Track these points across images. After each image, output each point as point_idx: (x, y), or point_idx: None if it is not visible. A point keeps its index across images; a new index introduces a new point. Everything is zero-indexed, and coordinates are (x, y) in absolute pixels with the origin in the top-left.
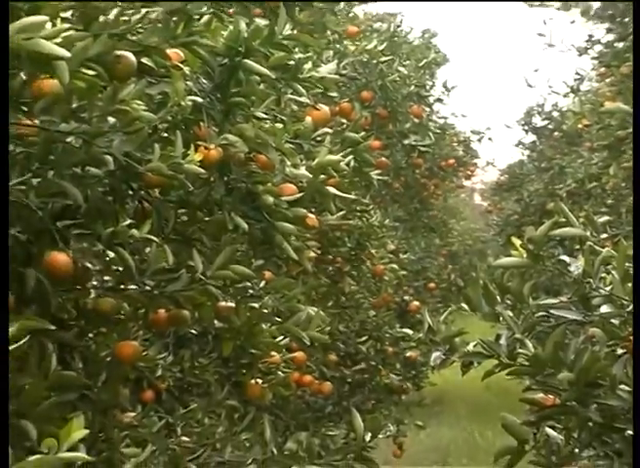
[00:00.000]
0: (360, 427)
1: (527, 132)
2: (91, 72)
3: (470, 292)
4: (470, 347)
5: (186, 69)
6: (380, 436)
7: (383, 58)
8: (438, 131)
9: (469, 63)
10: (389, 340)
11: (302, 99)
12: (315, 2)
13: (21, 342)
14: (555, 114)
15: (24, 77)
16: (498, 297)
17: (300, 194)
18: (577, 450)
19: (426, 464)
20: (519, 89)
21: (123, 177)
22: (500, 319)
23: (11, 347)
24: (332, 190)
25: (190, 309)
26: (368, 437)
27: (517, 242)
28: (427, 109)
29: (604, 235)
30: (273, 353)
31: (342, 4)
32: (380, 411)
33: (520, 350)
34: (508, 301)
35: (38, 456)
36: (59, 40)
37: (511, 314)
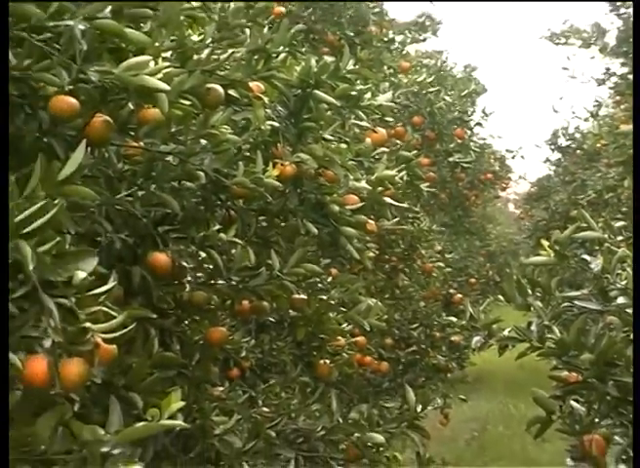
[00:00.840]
0: (412, 400)
1: (553, 150)
2: (186, 102)
3: (505, 286)
4: (506, 332)
5: (266, 99)
6: (429, 407)
7: (431, 89)
8: (478, 150)
9: (505, 93)
10: (437, 327)
11: (363, 124)
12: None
13: (129, 328)
14: (577, 135)
15: (132, 107)
16: (529, 290)
17: (361, 203)
18: (596, 420)
19: (468, 431)
20: (547, 114)
21: (213, 190)
22: (531, 308)
23: (120, 332)
24: (388, 200)
25: (269, 301)
26: (419, 408)
27: (545, 243)
28: (469, 132)
29: (620, 237)
30: (339, 338)
31: (397, 44)
32: (429, 387)
33: (548, 335)
34: (538, 294)
35: (144, 423)
36: (160, 76)
37: (540, 304)
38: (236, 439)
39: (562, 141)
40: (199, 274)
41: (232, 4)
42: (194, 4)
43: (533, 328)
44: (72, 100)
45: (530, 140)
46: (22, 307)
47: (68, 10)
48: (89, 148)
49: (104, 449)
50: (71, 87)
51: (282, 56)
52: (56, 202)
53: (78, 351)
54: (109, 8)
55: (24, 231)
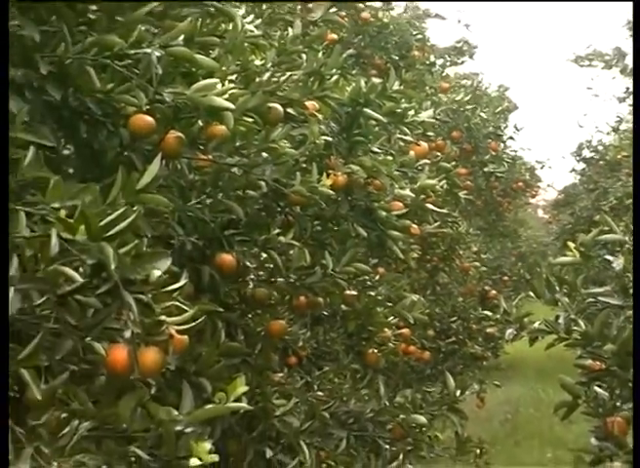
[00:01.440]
0: (452, 385)
1: (578, 161)
2: (249, 119)
3: (535, 284)
4: (536, 325)
5: (320, 116)
6: (467, 392)
7: (468, 107)
8: (510, 161)
9: (534, 110)
10: (473, 320)
11: (407, 138)
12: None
13: (199, 321)
14: (600, 148)
15: (201, 124)
16: (556, 287)
17: (406, 209)
18: (618, 404)
19: (502, 413)
20: (572, 129)
21: (273, 198)
22: (559, 304)
23: (191, 325)
24: (429, 206)
25: (323, 296)
26: (457, 393)
27: (571, 245)
28: (502, 145)
29: None
30: (386, 329)
31: (437, 66)
32: (467, 374)
33: (574, 328)
34: (565, 290)
35: (212, 405)
36: (226, 96)
37: (567, 300)
38: (294, 419)
39: (586, 153)
40: (261, 273)
41: (290, 32)
42: (256, 32)
43: (560, 321)
44: (149, 119)
45: (557, 152)
46: (106, 302)
47: (146, 39)
48: (163, 161)
49: (178, 428)
50: (148, 107)
51: (335, 78)
52: (134, 209)
53: (154, 341)
54: (182, 36)
55: (107, 235)
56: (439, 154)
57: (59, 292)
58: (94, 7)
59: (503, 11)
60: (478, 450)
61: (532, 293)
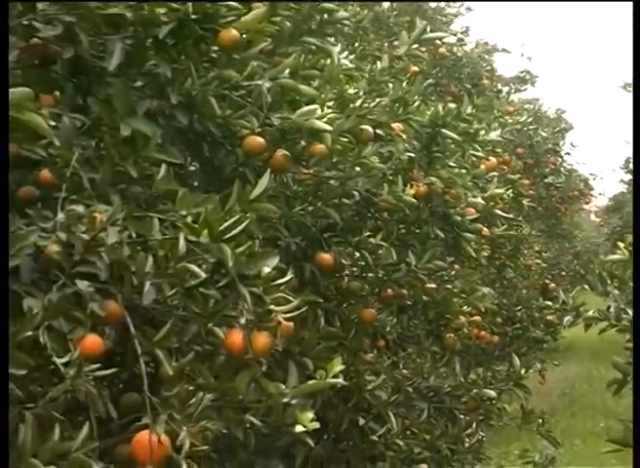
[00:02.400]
0: (517, 365)
1: (626, 173)
2: (344, 139)
3: (590, 278)
4: (590, 313)
5: (404, 136)
6: (530, 370)
7: (530, 127)
8: (567, 173)
9: (588, 129)
10: (535, 309)
11: (479, 154)
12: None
13: (302, 310)
14: None
15: (304, 143)
16: (608, 281)
17: (477, 215)
18: None
19: (560, 389)
20: (621, 145)
21: (364, 205)
22: (610, 295)
23: (295, 313)
24: (498, 212)
25: (407, 289)
26: (522, 371)
27: (621, 245)
28: (560, 159)
29: None
30: (461, 317)
31: (504, 93)
32: (530, 355)
33: (623, 315)
34: (615, 284)
35: (314, 381)
36: (325, 120)
37: (617, 292)
38: (383, 393)
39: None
40: (354, 269)
41: (379, 65)
42: (350, 65)
43: (611, 310)
44: (260, 140)
45: (608, 166)
46: (224, 294)
47: (258, 72)
48: (272, 175)
49: (285, 400)
50: (260, 129)
51: (417, 103)
52: (248, 215)
53: (265, 327)
54: (288, 70)
55: (225, 237)
56: (506, 168)
57: (186, 285)
58: (215, 47)
59: (561, 43)
60: (540, 420)
61: (586, 286)
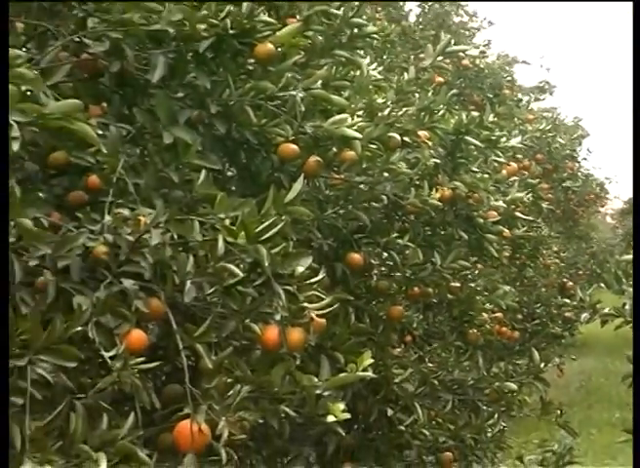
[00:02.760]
0: (537, 359)
1: None
2: (373, 146)
3: (606, 277)
4: (606, 310)
5: (430, 143)
6: (549, 364)
7: (549, 134)
8: (584, 177)
9: (604, 136)
10: (554, 306)
11: (500, 160)
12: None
13: (334, 307)
14: None
15: (335, 150)
16: (623, 280)
17: (499, 217)
18: None
19: (577, 381)
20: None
21: (392, 208)
22: (625, 293)
23: (327, 310)
24: (518, 215)
25: (433, 287)
26: (541, 365)
27: None
28: (577, 164)
29: None
30: (483, 314)
31: (524, 102)
32: (549, 349)
33: None
34: (630, 282)
35: (345, 374)
36: (355, 128)
37: (632, 290)
38: (410, 385)
39: None
40: (382, 268)
41: (406, 76)
42: (378, 76)
43: (626, 307)
44: (294, 147)
45: (622, 170)
46: (261, 292)
47: (292, 83)
48: (305, 180)
49: (318, 392)
50: (293, 137)
51: (441, 112)
52: (283, 218)
53: (298, 323)
54: (320, 81)
55: (262, 238)
56: (526, 173)
57: (224, 284)
58: (251, 60)
59: (578, 54)
60: (558, 412)
61: (602, 285)
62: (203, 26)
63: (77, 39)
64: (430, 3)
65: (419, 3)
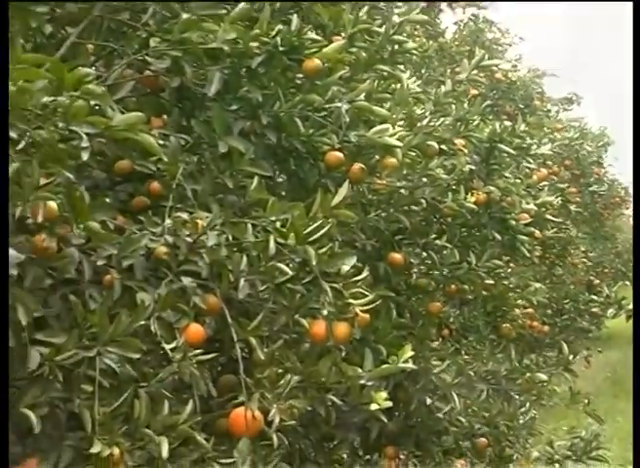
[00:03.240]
0: (565, 351)
1: None
2: (413, 153)
3: (630, 275)
4: (630, 306)
5: (465, 151)
6: (577, 356)
7: (577, 142)
8: (609, 182)
9: (628, 143)
10: (582, 302)
11: (531, 166)
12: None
13: (376, 303)
14: None
15: (377, 157)
16: None
17: (530, 219)
18: None
19: (603, 373)
20: None
21: (431, 211)
22: None
23: (370, 306)
24: (548, 217)
25: (468, 285)
26: (570, 357)
27: None
28: (603, 170)
29: None
30: (516, 309)
31: (553, 112)
32: (577, 342)
33: None
34: None
35: (387, 365)
36: (396, 137)
37: None
38: (447, 376)
39: None
40: (422, 267)
41: (443, 89)
42: (417, 89)
43: None
44: (340, 154)
45: None
46: (309, 289)
47: (337, 96)
48: (350, 185)
49: (362, 382)
50: (339, 146)
51: (476, 122)
52: (329, 221)
53: (344, 318)
54: (363, 94)
55: (310, 240)
56: (555, 178)
57: (275, 281)
58: (300, 75)
59: (604, 67)
60: (586, 400)
61: (627, 282)
62: (255, 44)
63: (140, 58)
64: (465, 21)
65: (455, 21)
